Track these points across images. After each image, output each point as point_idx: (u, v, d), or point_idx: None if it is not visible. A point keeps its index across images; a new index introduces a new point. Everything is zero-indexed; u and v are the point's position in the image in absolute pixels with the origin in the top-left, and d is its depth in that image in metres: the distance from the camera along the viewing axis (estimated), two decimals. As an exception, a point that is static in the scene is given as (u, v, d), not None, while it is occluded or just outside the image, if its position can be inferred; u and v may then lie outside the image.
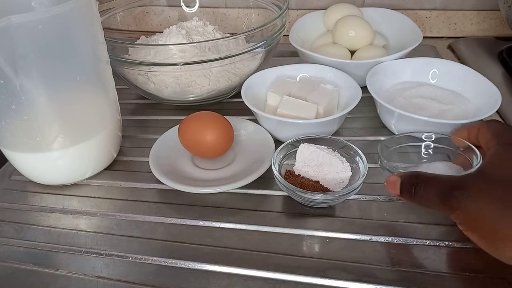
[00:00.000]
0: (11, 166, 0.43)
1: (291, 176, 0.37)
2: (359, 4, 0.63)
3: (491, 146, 0.29)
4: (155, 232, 0.36)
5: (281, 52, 0.61)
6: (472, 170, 0.31)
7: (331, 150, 0.38)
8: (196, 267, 0.32)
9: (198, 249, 0.34)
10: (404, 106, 0.44)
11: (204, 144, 0.40)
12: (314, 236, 0.34)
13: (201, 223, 0.36)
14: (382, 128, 0.46)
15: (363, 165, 0.36)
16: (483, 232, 0.25)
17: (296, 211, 0.36)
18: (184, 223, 0.36)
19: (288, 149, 0.39)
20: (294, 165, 0.38)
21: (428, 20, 0.68)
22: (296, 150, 0.38)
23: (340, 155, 0.38)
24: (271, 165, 0.37)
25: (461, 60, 0.60)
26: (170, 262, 0.33)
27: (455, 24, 0.68)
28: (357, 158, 0.37)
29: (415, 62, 0.49)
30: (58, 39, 0.33)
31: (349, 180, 0.36)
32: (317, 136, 0.39)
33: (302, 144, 0.38)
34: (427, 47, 0.63)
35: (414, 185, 0.28)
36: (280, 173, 0.36)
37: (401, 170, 0.33)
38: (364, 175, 0.35)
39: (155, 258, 0.33)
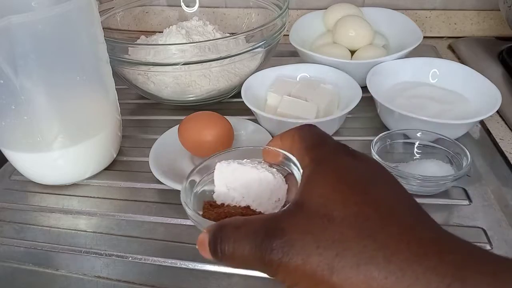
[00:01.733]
0: (11, 166, 0.43)
1: (211, 208, 0.27)
2: (359, 4, 0.63)
3: (305, 165, 0.22)
4: (155, 232, 0.36)
5: (281, 52, 0.61)
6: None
7: (257, 162, 0.28)
8: (196, 267, 0.32)
9: (198, 249, 0.34)
10: (404, 106, 0.43)
11: (204, 144, 0.40)
12: (314, 236, 0.34)
13: (201, 223, 0.36)
14: (382, 128, 0.46)
15: (299, 173, 0.25)
16: None
17: (296, 211, 0.36)
18: (184, 223, 0.36)
19: (202, 173, 0.29)
20: (213, 192, 0.28)
21: (428, 20, 0.68)
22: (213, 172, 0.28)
23: (269, 166, 0.28)
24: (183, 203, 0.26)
25: (461, 60, 0.60)
26: (170, 262, 0.33)
27: (455, 24, 0.68)
28: (293, 168, 0.27)
29: (415, 62, 0.49)
30: (58, 39, 0.33)
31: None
32: (231, 149, 0.29)
33: (219, 163, 0.28)
34: (427, 47, 0.63)
35: (219, 243, 0.20)
36: (194, 210, 0.26)
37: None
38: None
39: (155, 258, 0.33)
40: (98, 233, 0.36)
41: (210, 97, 0.51)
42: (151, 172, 0.39)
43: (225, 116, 0.41)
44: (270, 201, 0.27)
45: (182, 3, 0.65)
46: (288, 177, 0.28)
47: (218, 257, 0.20)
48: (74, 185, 0.41)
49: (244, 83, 0.47)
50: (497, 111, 0.42)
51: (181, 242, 0.34)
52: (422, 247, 0.16)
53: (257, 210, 0.27)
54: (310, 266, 0.17)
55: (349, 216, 0.18)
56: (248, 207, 0.27)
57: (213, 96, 0.51)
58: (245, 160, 0.29)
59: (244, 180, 0.28)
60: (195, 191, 0.28)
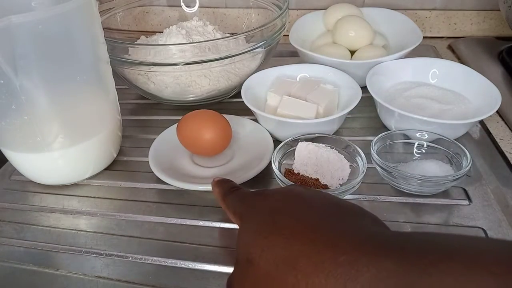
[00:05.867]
0: (11, 166, 0.43)
1: (290, 174, 0.38)
2: (359, 4, 0.63)
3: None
4: (155, 232, 0.36)
5: (281, 52, 0.61)
6: None
7: (329, 148, 0.38)
8: (196, 267, 0.32)
9: (198, 249, 0.34)
10: (404, 106, 0.44)
11: (202, 142, 0.40)
12: (314, 236, 0.34)
13: (201, 223, 0.36)
14: (382, 128, 0.46)
15: (362, 163, 0.36)
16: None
17: (296, 211, 0.36)
18: (184, 223, 0.36)
19: (286, 148, 0.40)
20: (293, 164, 0.38)
21: (428, 20, 0.68)
22: (294, 149, 0.38)
23: (339, 152, 0.38)
24: (270, 163, 0.37)
25: (461, 60, 0.60)
26: (170, 262, 0.33)
27: (455, 24, 0.68)
28: (357, 157, 0.37)
29: (415, 62, 0.49)
30: (58, 39, 0.33)
31: (348, 178, 0.37)
32: (316, 135, 0.40)
33: (300, 143, 0.38)
34: (427, 47, 0.63)
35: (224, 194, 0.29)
36: (280, 172, 0.37)
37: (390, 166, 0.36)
38: (363, 172, 0.35)
39: (155, 258, 0.33)
40: (98, 233, 0.36)
41: (210, 97, 0.51)
42: (151, 172, 0.39)
43: (224, 115, 0.41)
44: (334, 179, 0.36)
45: (182, 3, 0.65)
46: (352, 164, 0.37)
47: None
48: (74, 185, 0.41)
49: (244, 83, 0.47)
50: (497, 111, 0.43)
51: (181, 242, 0.34)
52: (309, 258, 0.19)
53: (323, 183, 0.36)
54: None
55: (265, 252, 0.21)
56: (317, 179, 0.37)
57: (213, 96, 0.51)
58: (321, 144, 0.38)
59: (318, 159, 0.37)
60: (281, 160, 0.39)
